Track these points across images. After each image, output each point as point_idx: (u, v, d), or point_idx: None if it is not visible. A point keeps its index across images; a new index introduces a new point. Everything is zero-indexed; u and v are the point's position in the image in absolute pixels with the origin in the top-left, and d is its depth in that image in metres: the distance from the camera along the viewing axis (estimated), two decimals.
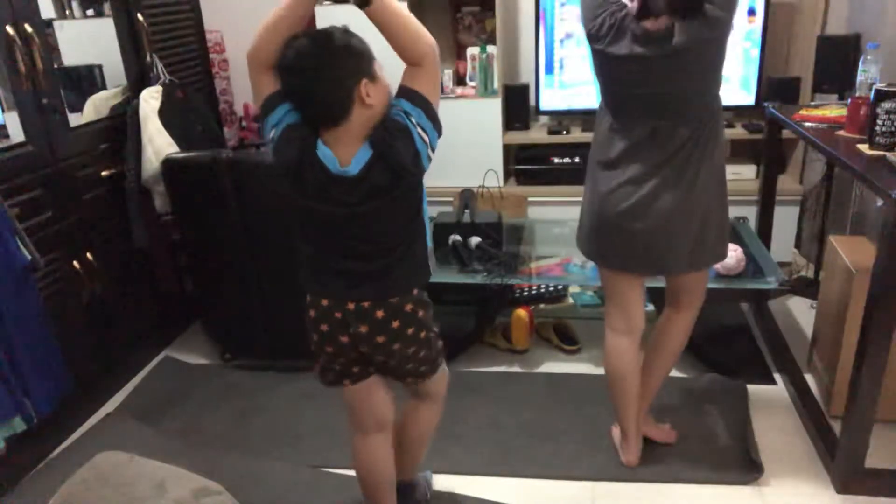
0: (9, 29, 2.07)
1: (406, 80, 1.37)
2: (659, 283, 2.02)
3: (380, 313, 1.47)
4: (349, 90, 1.31)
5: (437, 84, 1.40)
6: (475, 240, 2.58)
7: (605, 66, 1.69)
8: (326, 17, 3.03)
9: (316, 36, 1.32)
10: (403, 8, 1.33)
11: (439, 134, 1.41)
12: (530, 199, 3.25)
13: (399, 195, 1.40)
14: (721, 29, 1.57)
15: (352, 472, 1.77)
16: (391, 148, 1.34)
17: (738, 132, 3.16)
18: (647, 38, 1.58)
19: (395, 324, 1.49)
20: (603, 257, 1.87)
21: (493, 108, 3.22)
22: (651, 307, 2.63)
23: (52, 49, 2.35)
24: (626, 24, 1.59)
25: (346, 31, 1.33)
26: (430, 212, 2.81)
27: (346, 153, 1.36)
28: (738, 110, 3.24)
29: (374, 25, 1.32)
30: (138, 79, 2.68)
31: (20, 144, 2.15)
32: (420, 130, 1.36)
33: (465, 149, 3.24)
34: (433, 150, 1.40)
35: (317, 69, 1.30)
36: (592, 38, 1.65)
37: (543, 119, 3.47)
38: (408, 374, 1.60)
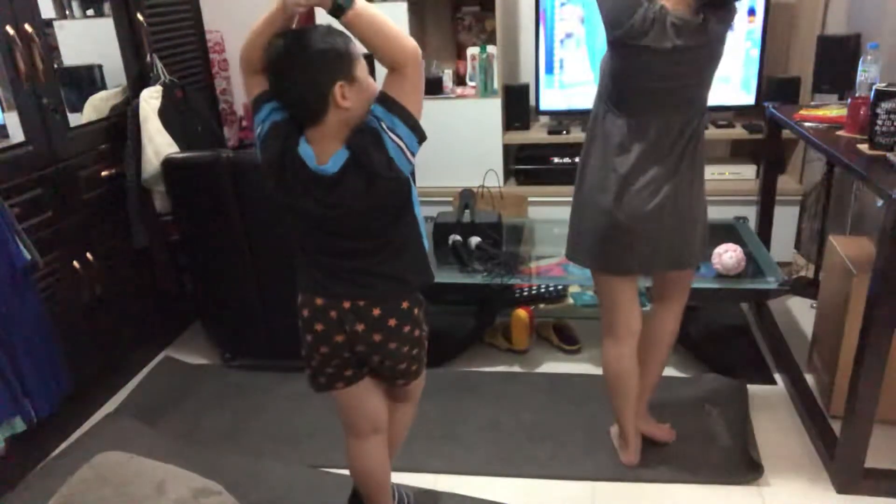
0: (9, 29, 2.07)
1: (385, 85, 1.35)
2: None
3: (376, 311, 1.46)
4: (323, 92, 1.31)
5: (418, 89, 1.36)
6: (475, 240, 2.58)
7: (641, 61, 1.63)
8: (326, 15, 3.04)
9: (294, 36, 1.32)
10: (381, 15, 1.31)
11: (420, 139, 1.38)
12: (530, 199, 3.25)
13: (376, 197, 1.39)
14: (734, 20, 1.65)
15: None
16: (364, 152, 1.34)
17: (738, 132, 3.16)
18: (686, 30, 1.58)
19: (392, 322, 1.48)
20: (616, 264, 1.82)
21: (493, 108, 3.22)
22: (649, 307, 2.64)
23: (52, 49, 2.35)
24: (664, 16, 1.57)
25: (328, 31, 1.32)
26: (431, 212, 2.85)
27: (324, 152, 1.36)
28: (738, 110, 3.24)
29: (349, 33, 1.31)
30: (138, 79, 2.68)
31: (20, 144, 2.15)
32: (392, 136, 1.33)
33: (465, 149, 3.24)
34: (413, 154, 1.38)
35: (290, 69, 1.31)
36: (633, 34, 1.59)
37: (543, 119, 3.48)
38: (400, 374, 1.59)
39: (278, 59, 1.31)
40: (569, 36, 3.16)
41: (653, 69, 1.64)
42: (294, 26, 1.38)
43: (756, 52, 3.06)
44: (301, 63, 1.30)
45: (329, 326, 1.48)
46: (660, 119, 1.69)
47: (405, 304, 1.49)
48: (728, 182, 3.18)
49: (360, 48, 1.35)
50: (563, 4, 3.11)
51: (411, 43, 1.32)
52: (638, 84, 1.68)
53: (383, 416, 1.68)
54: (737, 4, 1.64)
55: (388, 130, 1.34)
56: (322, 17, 1.38)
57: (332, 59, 1.31)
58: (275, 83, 1.35)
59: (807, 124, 2.26)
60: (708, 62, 1.68)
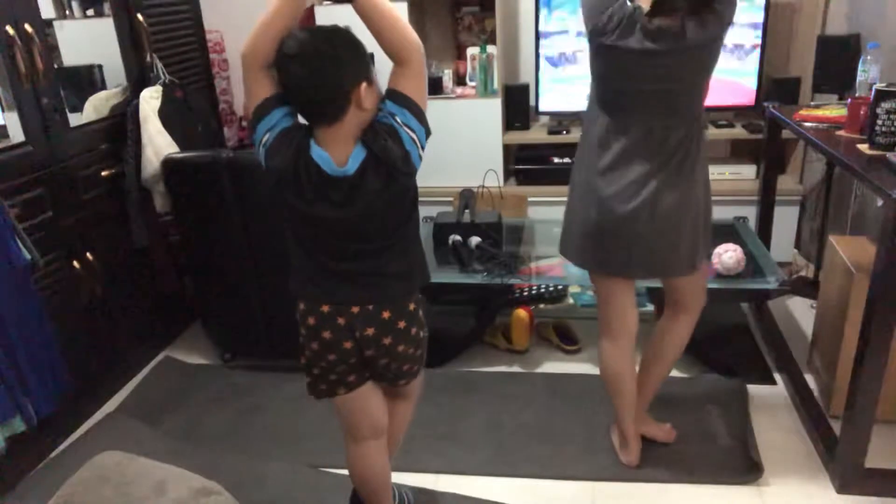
0: (9, 29, 2.07)
1: (392, 82, 1.36)
2: (657, 283, 2.03)
3: (386, 314, 1.46)
4: (347, 91, 1.30)
5: (422, 84, 1.38)
6: (475, 240, 2.58)
7: (611, 60, 1.65)
8: (326, 17, 3.04)
9: (322, 30, 1.31)
10: (392, 7, 1.32)
11: (428, 133, 1.40)
12: (530, 199, 3.25)
13: (393, 195, 1.39)
14: (726, 27, 1.60)
15: None
16: (384, 148, 1.33)
17: (738, 132, 3.16)
18: (659, 33, 1.56)
19: (401, 324, 1.48)
20: (601, 264, 1.83)
21: (493, 108, 3.22)
22: (651, 307, 2.64)
23: (52, 49, 2.35)
24: (636, 18, 1.57)
25: (350, 32, 1.32)
26: (431, 212, 2.84)
27: (341, 153, 1.34)
28: (738, 110, 3.24)
29: (362, 21, 1.32)
30: (138, 79, 2.68)
31: (20, 144, 2.15)
32: (407, 130, 1.35)
33: (465, 149, 3.24)
34: (423, 149, 1.39)
35: (320, 65, 1.28)
36: (599, 32, 1.61)
37: (543, 119, 3.48)
38: (402, 375, 1.58)
39: (303, 53, 1.27)
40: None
41: (627, 70, 1.64)
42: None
43: (756, 53, 3.06)
44: (329, 57, 1.28)
45: (337, 333, 1.47)
46: (640, 121, 1.68)
47: (412, 306, 1.50)
48: (728, 182, 3.18)
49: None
50: (562, 4, 3.11)
51: (417, 37, 1.34)
52: (614, 84, 1.69)
53: (383, 421, 1.67)
54: (720, 9, 1.57)
55: (402, 125, 1.34)
56: (322, 18, 1.38)
57: (358, 59, 1.31)
58: (295, 80, 1.30)
59: (807, 124, 2.26)
60: (694, 69, 1.64)
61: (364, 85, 1.31)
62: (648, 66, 1.61)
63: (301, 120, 1.39)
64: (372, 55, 1.38)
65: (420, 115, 1.37)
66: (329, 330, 1.47)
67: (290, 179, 1.36)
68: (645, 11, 1.57)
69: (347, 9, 1.33)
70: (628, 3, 1.59)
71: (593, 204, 1.76)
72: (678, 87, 1.65)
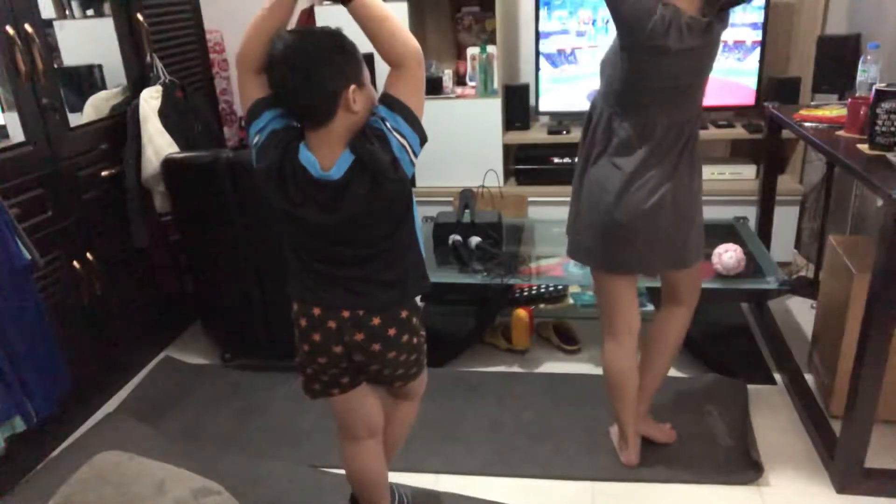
0: (9, 29, 2.07)
1: (387, 86, 1.34)
2: (655, 282, 2.03)
3: (376, 321, 1.44)
4: (336, 93, 1.28)
5: (418, 89, 1.35)
6: (475, 240, 2.58)
7: (656, 62, 1.62)
8: (326, 17, 3.04)
9: (309, 32, 1.30)
10: (387, 9, 1.31)
11: (422, 139, 1.36)
12: (530, 199, 3.25)
13: (381, 201, 1.36)
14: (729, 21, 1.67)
15: None
16: (370, 154, 1.31)
17: (738, 132, 3.16)
18: (694, 29, 1.57)
19: (392, 331, 1.46)
20: (616, 262, 1.82)
21: (493, 108, 3.22)
22: (651, 307, 2.64)
23: (52, 49, 2.35)
24: (679, 17, 1.56)
25: (340, 33, 1.30)
26: (431, 212, 2.84)
27: (328, 157, 1.32)
28: (738, 110, 3.24)
29: (356, 22, 1.31)
30: (138, 79, 2.68)
31: (20, 144, 2.15)
32: (398, 136, 1.32)
33: (465, 149, 3.24)
34: (416, 156, 1.36)
35: (305, 66, 1.26)
36: (655, 34, 1.56)
37: (543, 119, 3.48)
38: (397, 379, 1.57)
39: (289, 55, 1.26)
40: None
41: (665, 70, 1.63)
42: (293, 27, 1.37)
43: (756, 52, 3.06)
44: (315, 59, 1.26)
45: (327, 337, 1.46)
46: (665, 119, 1.69)
47: (404, 314, 1.48)
48: (728, 182, 3.18)
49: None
50: (562, 4, 3.11)
51: (414, 41, 1.32)
52: (651, 85, 1.67)
53: (379, 420, 1.67)
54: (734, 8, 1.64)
55: (392, 130, 1.32)
56: (322, 18, 1.38)
57: (346, 61, 1.29)
58: (281, 81, 1.29)
59: (807, 124, 2.26)
60: (708, 62, 1.69)
61: (353, 87, 1.29)
62: (683, 64, 1.62)
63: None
64: (371, 56, 1.38)
65: (413, 121, 1.34)
66: (319, 333, 1.46)
67: (275, 180, 1.35)
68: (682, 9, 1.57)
69: (346, 10, 1.33)
70: (669, 6, 1.57)
71: (612, 203, 1.74)
72: (698, 81, 1.70)
